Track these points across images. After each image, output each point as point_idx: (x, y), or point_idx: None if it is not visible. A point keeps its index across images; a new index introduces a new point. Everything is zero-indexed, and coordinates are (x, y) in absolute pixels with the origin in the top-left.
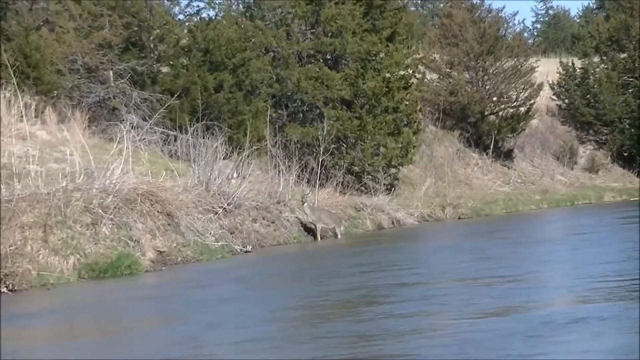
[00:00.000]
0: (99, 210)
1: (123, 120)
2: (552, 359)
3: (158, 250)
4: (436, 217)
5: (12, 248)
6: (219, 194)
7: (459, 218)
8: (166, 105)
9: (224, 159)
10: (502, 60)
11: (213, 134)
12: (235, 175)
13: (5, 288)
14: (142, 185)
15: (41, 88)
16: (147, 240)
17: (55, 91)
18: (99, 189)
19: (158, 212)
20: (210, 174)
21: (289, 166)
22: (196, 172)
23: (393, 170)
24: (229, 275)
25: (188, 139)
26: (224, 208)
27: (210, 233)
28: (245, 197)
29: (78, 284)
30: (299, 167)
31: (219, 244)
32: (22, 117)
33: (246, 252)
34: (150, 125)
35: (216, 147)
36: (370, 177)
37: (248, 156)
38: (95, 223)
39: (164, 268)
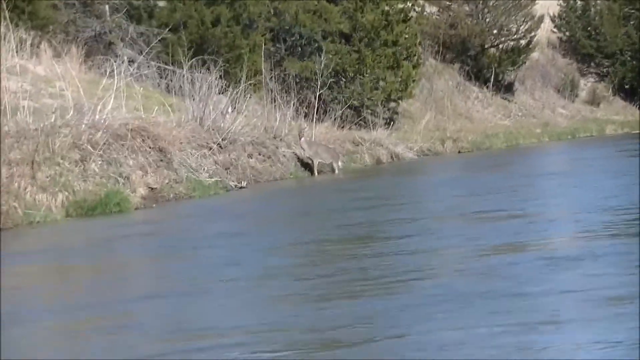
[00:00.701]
0: (88, 147)
1: (119, 55)
2: None
3: (149, 187)
4: (435, 151)
5: None
6: (213, 129)
7: (459, 152)
8: (159, 37)
9: (220, 93)
10: None
11: (209, 69)
12: (230, 110)
13: None
14: (134, 120)
15: (36, 23)
16: (137, 177)
17: (50, 26)
18: (88, 125)
19: (150, 148)
20: (205, 108)
21: (288, 101)
22: (190, 107)
23: (393, 104)
24: (226, 211)
25: (183, 74)
26: (219, 144)
27: (204, 169)
28: (241, 132)
29: (66, 222)
30: (298, 101)
31: (213, 180)
32: (16, 51)
33: (241, 188)
34: (145, 59)
35: (210, 81)
36: (369, 111)
37: (245, 91)
38: (84, 159)
39: (155, 205)
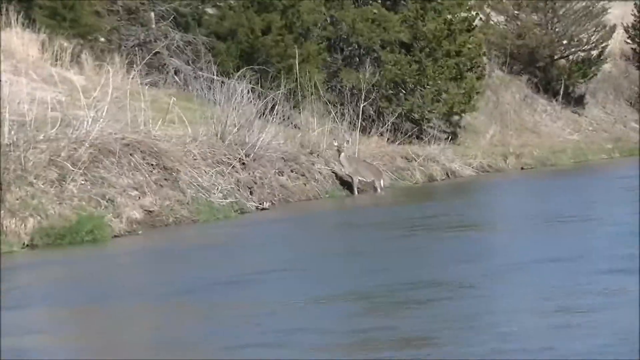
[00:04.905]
0: (67, 164)
1: (165, 64)
2: None
3: (146, 210)
4: (497, 168)
5: None
6: (236, 144)
7: (522, 168)
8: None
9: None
10: (572, 1)
11: (259, 81)
12: (257, 122)
13: None
14: (131, 134)
15: (78, 30)
16: (129, 198)
17: (93, 34)
18: (70, 140)
19: (151, 165)
20: (226, 120)
21: (342, 113)
22: (211, 120)
23: (455, 118)
24: (209, 247)
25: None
26: (241, 160)
27: (217, 189)
28: (268, 147)
29: (21, 254)
30: (354, 113)
31: (227, 201)
32: (55, 60)
33: (262, 209)
34: (193, 68)
35: (241, 90)
36: (430, 124)
37: (288, 101)
38: (62, 179)
39: (140, 232)
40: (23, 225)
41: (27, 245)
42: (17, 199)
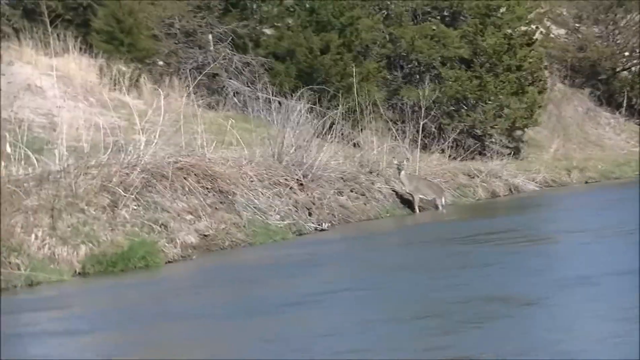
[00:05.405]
0: (119, 190)
1: (223, 86)
2: None
3: (202, 234)
4: (560, 182)
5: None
6: (293, 165)
7: (586, 182)
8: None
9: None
10: (633, 12)
11: (319, 100)
12: (315, 143)
13: None
14: (185, 158)
15: (136, 54)
16: (184, 223)
17: (151, 58)
18: (122, 165)
19: (207, 188)
20: (283, 141)
21: (404, 130)
22: (268, 142)
23: (518, 132)
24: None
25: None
26: (299, 181)
27: (274, 210)
28: (327, 167)
29: (71, 282)
30: (415, 130)
31: (284, 223)
32: (114, 84)
33: (321, 230)
34: (251, 89)
35: (299, 110)
36: (492, 140)
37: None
38: (114, 205)
39: (194, 257)
40: (75, 252)
41: (79, 274)
42: (69, 227)
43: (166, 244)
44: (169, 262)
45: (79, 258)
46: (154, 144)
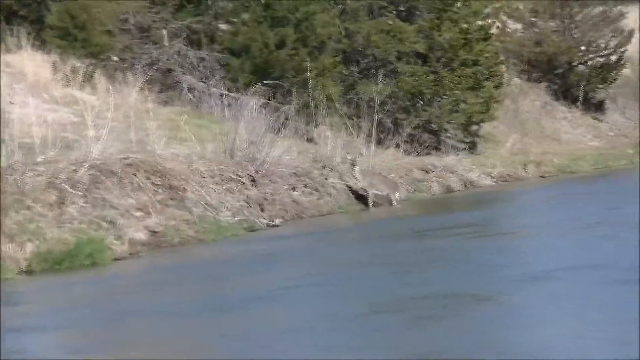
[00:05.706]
0: (66, 187)
1: (178, 82)
2: None
3: (151, 231)
4: (516, 177)
5: None
6: (245, 160)
7: (542, 176)
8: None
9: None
10: (589, 7)
11: (274, 95)
12: (267, 138)
13: None
14: (135, 154)
15: (90, 50)
16: (133, 220)
17: (105, 53)
18: (70, 161)
19: (156, 185)
20: (235, 136)
21: (359, 126)
22: (221, 137)
23: (474, 127)
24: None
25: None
26: (251, 176)
27: (226, 207)
28: (279, 162)
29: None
30: (371, 125)
31: (235, 219)
32: (68, 81)
33: (273, 226)
34: (206, 85)
35: (252, 105)
36: (448, 135)
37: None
38: (61, 202)
39: (143, 254)
40: (21, 250)
41: (25, 271)
42: (15, 224)
43: (114, 241)
44: (117, 259)
45: (25, 255)
46: (102, 139)
